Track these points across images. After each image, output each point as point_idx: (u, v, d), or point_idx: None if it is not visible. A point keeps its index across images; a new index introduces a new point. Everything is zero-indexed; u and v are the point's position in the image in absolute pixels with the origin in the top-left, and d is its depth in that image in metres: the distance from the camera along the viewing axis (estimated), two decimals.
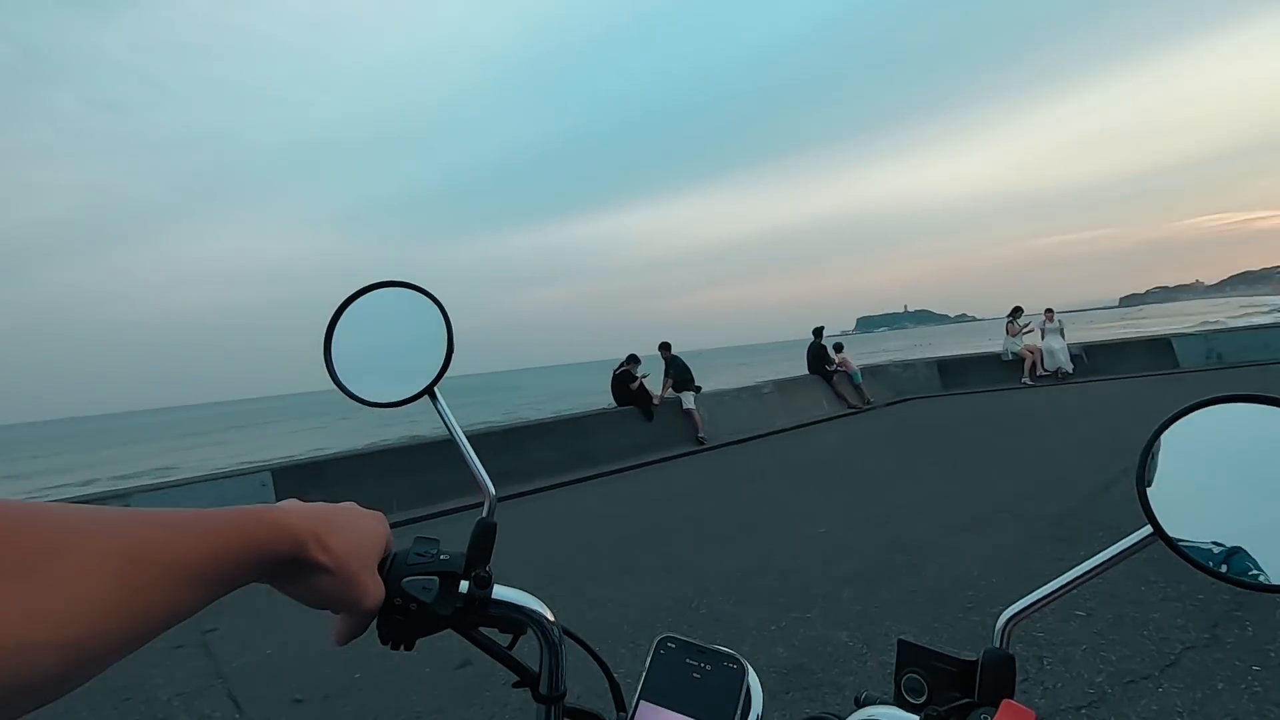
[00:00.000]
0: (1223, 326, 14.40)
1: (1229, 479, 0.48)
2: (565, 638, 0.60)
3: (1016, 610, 0.51)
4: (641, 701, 0.53)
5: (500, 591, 0.57)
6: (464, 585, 0.55)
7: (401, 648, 0.55)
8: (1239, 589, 0.45)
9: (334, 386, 0.66)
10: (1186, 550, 0.47)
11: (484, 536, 0.59)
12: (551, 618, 0.59)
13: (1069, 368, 13.52)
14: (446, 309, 0.67)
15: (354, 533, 0.49)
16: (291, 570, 0.45)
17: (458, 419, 0.68)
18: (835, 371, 13.31)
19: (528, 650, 0.57)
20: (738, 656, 0.54)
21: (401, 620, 0.53)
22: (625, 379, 10.39)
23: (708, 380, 12.05)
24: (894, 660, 0.54)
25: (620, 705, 0.61)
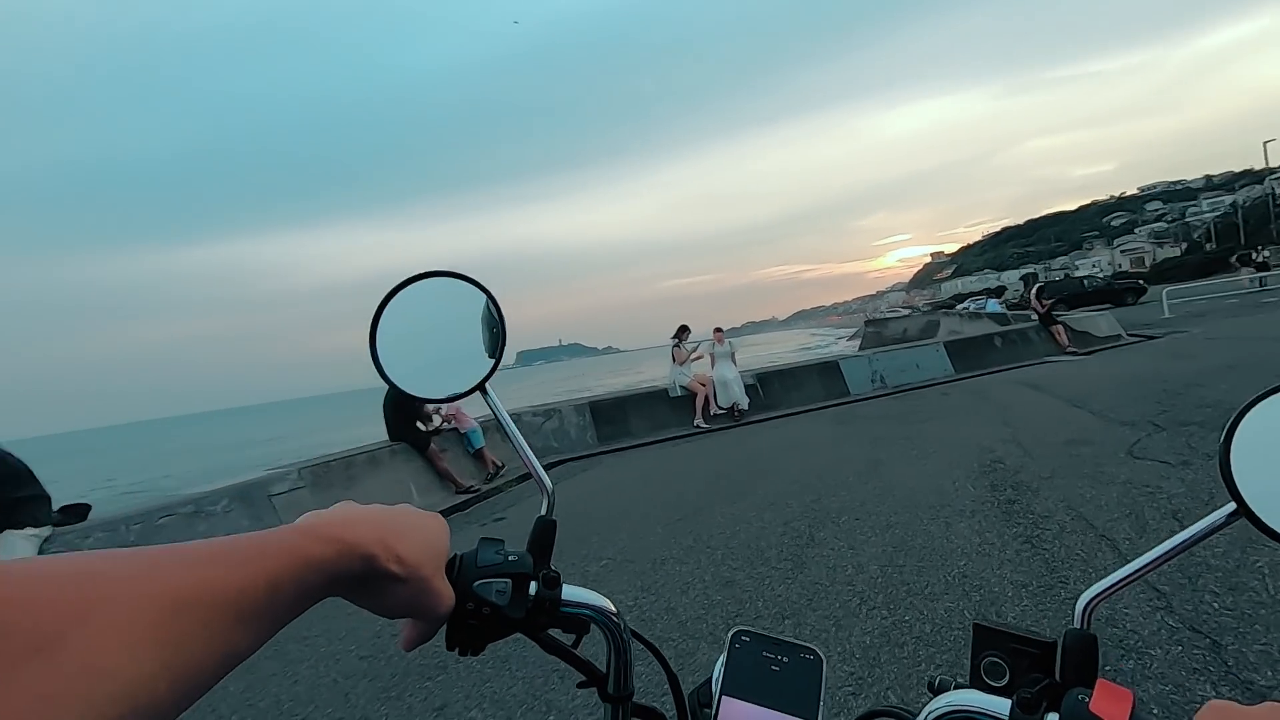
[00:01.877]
0: (883, 349, 13.29)
1: None
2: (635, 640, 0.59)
3: (1097, 591, 0.50)
4: (724, 697, 0.52)
5: (569, 592, 0.55)
6: (533, 587, 0.53)
7: (470, 653, 0.52)
8: None
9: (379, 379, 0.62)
10: (1272, 527, 0.46)
11: (545, 534, 0.57)
12: (620, 619, 0.57)
13: (744, 402, 10.53)
14: (497, 299, 0.63)
15: (421, 538, 0.46)
16: (361, 583, 0.42)
17: None
18: (436, 431, 8.00)
19: (592, 649, 0.54)
20: (814, 647, 0.54)
21: (474, 625, 0.51)
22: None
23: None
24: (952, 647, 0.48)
25: (680, 707, 0.58)
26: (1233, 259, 23.50)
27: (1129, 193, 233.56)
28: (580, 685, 0.58)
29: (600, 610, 0.56)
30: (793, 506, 5.11)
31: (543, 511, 0.59)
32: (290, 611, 0.36)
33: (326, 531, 0.39)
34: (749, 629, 0.55)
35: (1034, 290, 13.56)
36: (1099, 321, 14.02)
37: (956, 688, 0.51)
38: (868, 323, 58.08)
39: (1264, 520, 0.46)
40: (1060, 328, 13.27)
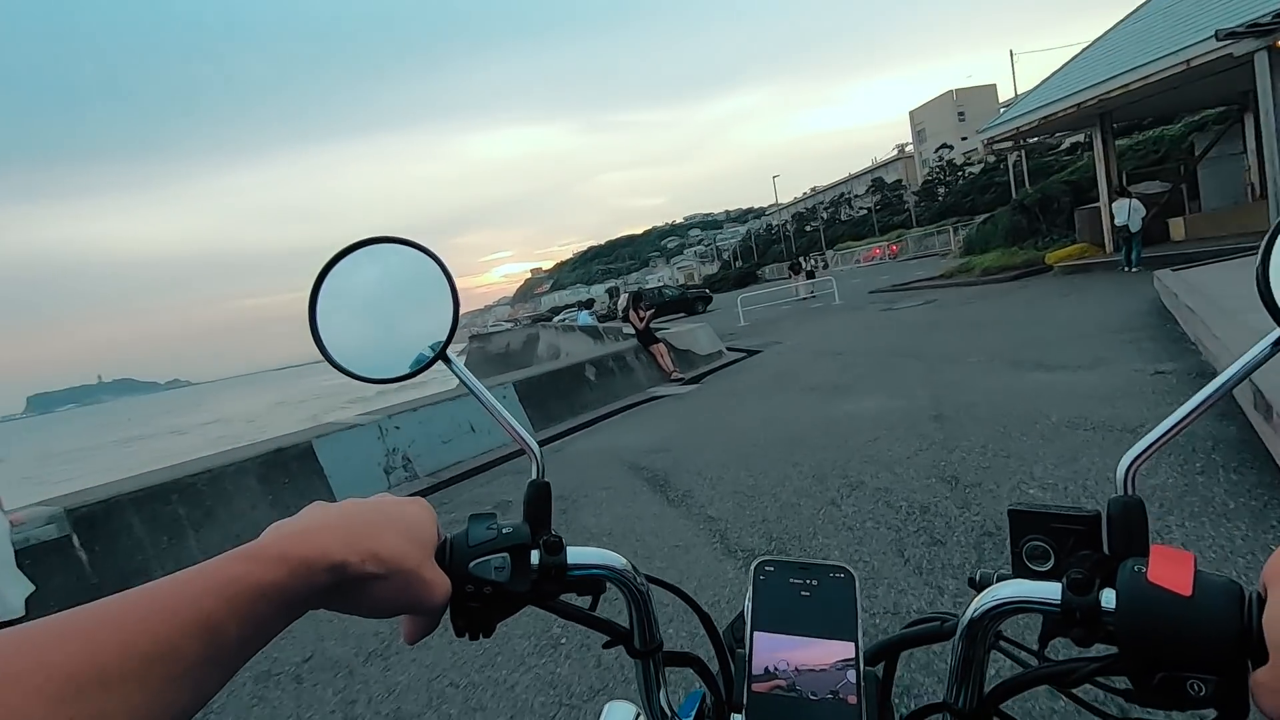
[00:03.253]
0: (409, 409, 8.06)
1: None
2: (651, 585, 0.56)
3: (1138, 453, 0.46)
4: (756, 633, 0.50)
5: (574, 554, 0.52)
6: (534, 556, 0.50)
7: (480, 636, 0.49)
8: None
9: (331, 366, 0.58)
10: None
11: (540, 498, 0.54)
12: (634, 571, 0.54)
13: None
14: (443, 260, 0.60)
15: (399, 529, 0.43)
16: (336, 592, 0.39)
17: None
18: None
19: (611, 608, 0.51)
20: (844, 566, 0.52)
21: (477, 607, 0.48)
22: None
23: None
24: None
25: (718, 646, 0.58)
26: (787, 267, 25.25)
27: (678, 221, 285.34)
28: (606, 645, 0.56)
29: (611, 566, 0.53)
30: None
31: (533, 476, 0.56)
32: (245, 648, 0.32)
33: (275, 551, 0.36)
34: (772, 557, 0.53)
35: (629, 300, 10.18)
36: (698, 337, 11.52)
37: (1000, 579, 0.47)
38: (473, 338, 54.85)
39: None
40: (662, 347, 10.23)
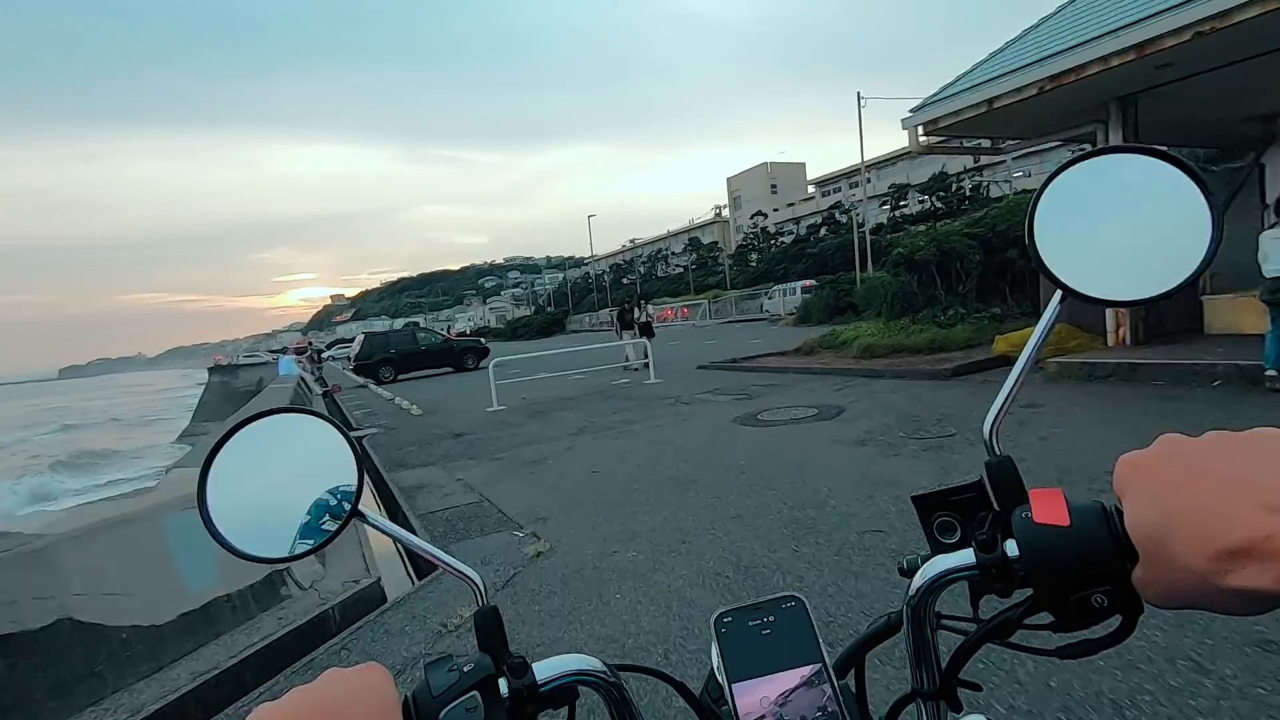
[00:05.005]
0: None
1: (1095, 218, 0.51)
2: (623, 674, 0.56)
3: (994, 415, 0.53)
4: (734, 685, 0.50)
5: (541, 668, 0.51)
6: (503, 685, 0.49)
7: None
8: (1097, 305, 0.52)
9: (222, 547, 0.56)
10: (1089, 295, 0.50)
11: (491, 623, 0.53)
12: (604, 668, 0.53)
13: None
14: (340, 426, 0.61)
15: (356, 712, 0.40)
16: None
17: None
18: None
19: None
20: (793, 595, 0.54)
21: None
22: None
23: None
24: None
25: (697, 709, 0.57)
26: (614, 316, 17.35)
27: (497, 261, 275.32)
28: None
29: (581, 670, 0.52)
30: None
31: (480, 603, 0.55)
32: None
33: None
34: (727, 607, 0.54)
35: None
36: None
37: (923, 560, 0.51)
38: (213, 370, 41.14)
39: (1053, 273, 0.49)
40: None
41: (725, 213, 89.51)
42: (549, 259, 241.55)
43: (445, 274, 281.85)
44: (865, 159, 31.47)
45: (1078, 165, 0.51)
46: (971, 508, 0.50)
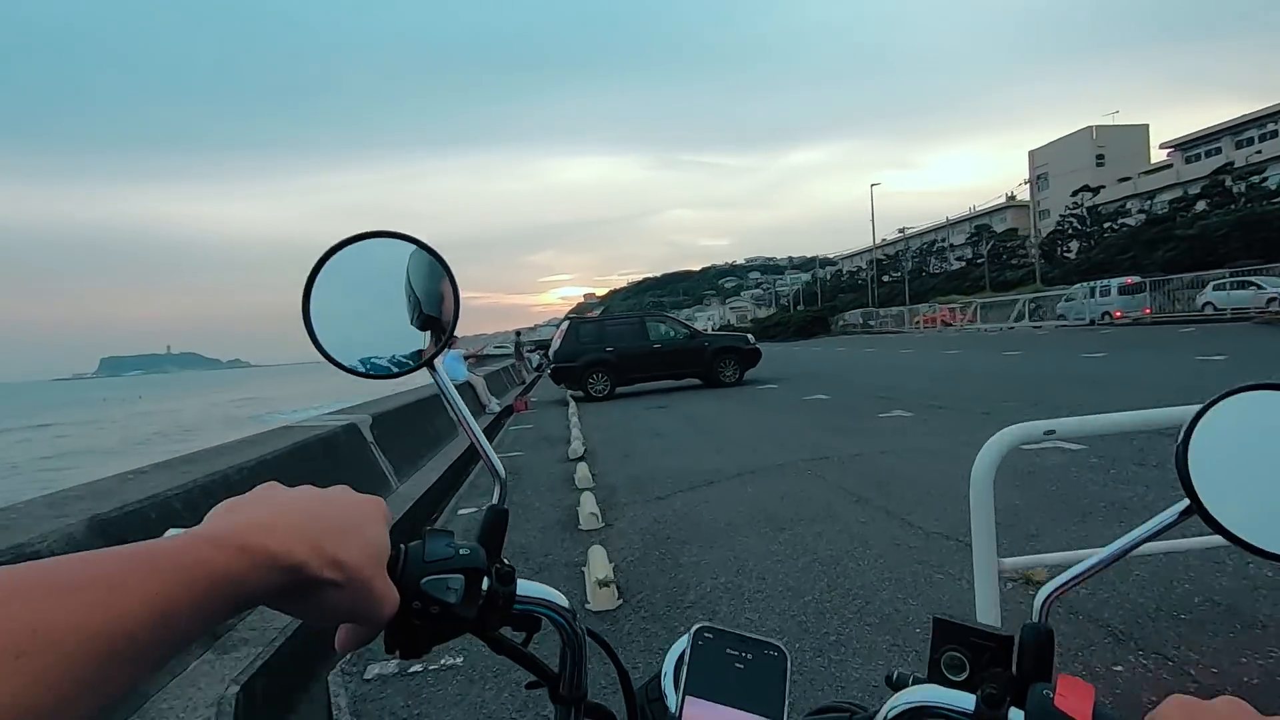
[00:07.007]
0: None
1: (1264, 460, 0.48)
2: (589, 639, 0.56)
3: (1055, 586, 0.51)
4: (688, 697, 0.50)
5: (523, 587, 0.51)
6: (485, 582, 0.49)
7: (412, 656, 0.48)
8: (1273, 561, 0.47)
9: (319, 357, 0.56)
10: (1222, 523, 0.47)
11: (497, 525, 0.53)
12: (573, 612, 0.54)
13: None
14: (448, 263, 0.57)
15: (362, 533, 0.40)
16: (287, 593, 0.36)
17: None
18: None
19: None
20: (779, 645, 0.52)
21: (420, 625, 0.46)
22: None
23: None
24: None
25: (631, 710, 0.56)
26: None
27: (738, 262, 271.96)
28: (530, 686, 0.55)
29: (555, 606, 0.53)
30: None
31: (495, 500, 0.55)
32: (187, 637, 0.30)
33: (239, 541, 0.33)
34: (713, 625, 0.53)
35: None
36: None
37: (915, 682, 0.50)
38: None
39: (1215, 518, 0.47)
40: None
41: (1024, 193, 72.33)
42: (791, 259, 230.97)
43: (687, 274, 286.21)
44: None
45: (1225, 400, 0.49)
46: (988, 656, 0.49)
